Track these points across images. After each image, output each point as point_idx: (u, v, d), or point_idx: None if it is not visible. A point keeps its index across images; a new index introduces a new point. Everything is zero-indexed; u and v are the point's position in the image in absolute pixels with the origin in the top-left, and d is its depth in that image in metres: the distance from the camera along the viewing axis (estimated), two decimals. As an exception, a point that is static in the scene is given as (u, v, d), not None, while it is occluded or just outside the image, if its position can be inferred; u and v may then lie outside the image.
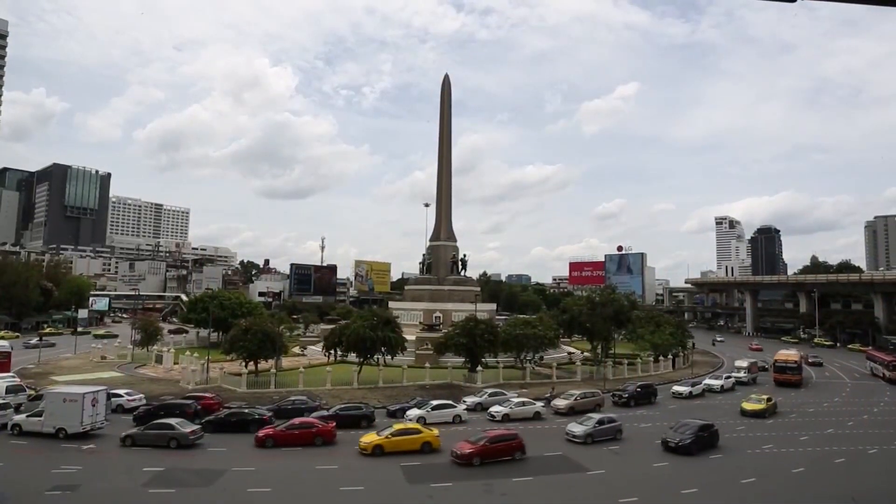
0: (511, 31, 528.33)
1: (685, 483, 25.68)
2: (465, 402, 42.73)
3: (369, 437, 30.44)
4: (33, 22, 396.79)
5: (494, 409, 39.99)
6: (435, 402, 39.67)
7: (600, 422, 34.14)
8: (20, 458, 28.72)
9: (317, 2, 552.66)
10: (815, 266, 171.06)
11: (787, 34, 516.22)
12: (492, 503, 23.69)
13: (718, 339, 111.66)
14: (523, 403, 40.74)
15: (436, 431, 31.46)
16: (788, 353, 61.21)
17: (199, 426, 32.49)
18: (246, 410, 36.72)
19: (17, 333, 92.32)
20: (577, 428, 33.41)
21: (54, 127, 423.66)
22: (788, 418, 40.99)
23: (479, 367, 54.59)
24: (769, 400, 42.40)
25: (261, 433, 31.72)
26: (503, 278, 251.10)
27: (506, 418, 38.72)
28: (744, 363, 62.01)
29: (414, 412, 38.43)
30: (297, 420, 33.32)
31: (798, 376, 55.22)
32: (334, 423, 33.93)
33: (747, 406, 41.58)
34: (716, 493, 25.07)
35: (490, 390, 45.61)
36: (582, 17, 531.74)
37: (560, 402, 42.43)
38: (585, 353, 72.86)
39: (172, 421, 31.96)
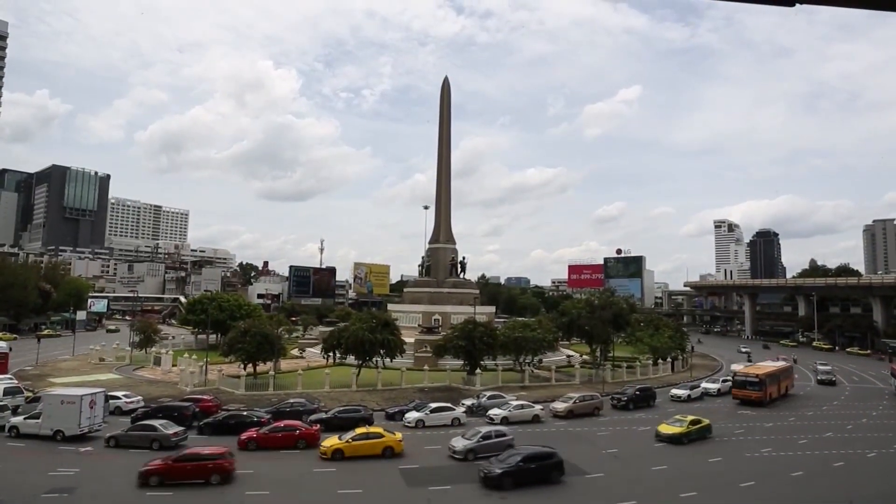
0: (510, 34, 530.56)
1: (684, 486, 25.65)
2: (463, 404, 42.70)
3: (330, 441, 30.21)
4: (33, 23, 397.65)
5: (493, 411, 39.89)
6: (434, 405, 39.62)
7: (486, 436, 30.21)
8: (17, 460, 28.60)
9: (316, 5, 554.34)
10: (814, 270, 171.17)
11: (786, 39, 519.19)
12: (490, 506, 23.62)
13: (743, 349, 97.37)
14: (522, 406, 40.67)
15: (399, 436, 31.01)
16: (763, 365, 55.82)
17: (182, 428, 32.43)
18: (244, 413, 36.73)
19: (14, 335, 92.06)
20: (459, 443, 29.95)
21: (56, 128, 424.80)
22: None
23: (478, 370, 54.58)
24: (695, 423, 35.15)
25: (243, 436, 31.55)
26: (502, 281, 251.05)
27: (504, 421, 38.65)
28: (741, 367, 61.93)
29: (413, 415, 38.38)
30: (280, 423, 33.17)
31: (759, 393, 47.27)
32: (318, 427, 33.90)
33: (663, 429, 34.79)
34: (715, 496, 25.03)
35: (489, 393, 45.50)
36: (581, 21, 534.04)
37: (559, 405, 42.42)
38: (584, 356, 72.82)
39: (156, 423, 32.02)
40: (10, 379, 45.33)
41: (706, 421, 36.06)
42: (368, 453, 29.39)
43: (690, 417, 35.92)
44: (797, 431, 38.41)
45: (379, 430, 31.62)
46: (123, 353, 67.52)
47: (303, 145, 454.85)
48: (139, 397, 42.40)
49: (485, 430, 31.38)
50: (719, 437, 35.77)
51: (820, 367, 67.89)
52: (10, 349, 57.72)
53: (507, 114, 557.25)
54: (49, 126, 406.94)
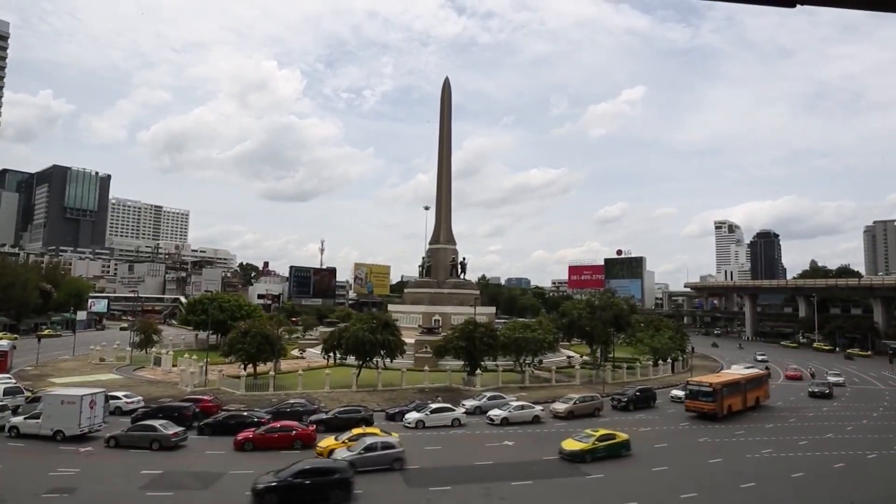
0: (512, 35, 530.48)
1: (685, 487, 25.64)
2: (464, 405, 42.69)
3: (326, 442, 30.19)
4: (35, 24, 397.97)
5: (493, 412, 39.86)
6: (434, 406, 39.62)
7: (370, 447, 27.68)
8: (17, 460, 28.61)
9: (318, 5, 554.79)
10: (815, 271, 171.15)
11: (787, 39, 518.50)
12: (490, 507, 23.59)
13: (760, 355, 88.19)
14: (522, 407, 40.66)
15: (396, 436, 31.03)
16: (729, 372, 50.48)
17: (182, 429, 32.41)
18: (244, 413, 36.76)
19: (15, 335, 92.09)
20: (340, 454, 27.85)
21: (59, 129, 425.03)
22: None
23: (479, 371, 54.58)
24: (605, 438, 30.90)
25: (240, 436, 31.51)
26: (503, 282, 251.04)
27: (504, 422, 38.65)
28: (740, 367, 61.88)
29: (413, 415, 38.38)
30: (276, 423, 33.14)
31: (713, 405, 41.76)
32: (314, 427, 33.91)
33: (566, 445, 30.58)
34: (715, 497, 25.02)
35: (489, 394, 45.49)
36: (583, 22, 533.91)
37: (559, 406, 42.40)
38: (585, 357, 72.81)
39: (155, 423, 32.03)
40: (9, 378, 45.40)
41: (622, 436, 31.61)
42: None
43: (602, 432, 31.65)
44: (796, 433, 38.33)
45: (376, 430, 31.58)
46: (123, 353, 67.53)
47: (305, 145, 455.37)
48: (139, 397, 42.41)
49: (370, 440, 28.33)
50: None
51: (830, 378, 61.32)
52: (15, 347, 57.84)
53: (510, 114, 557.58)
54: (52, 126, 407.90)
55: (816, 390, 54.24)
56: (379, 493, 24.61)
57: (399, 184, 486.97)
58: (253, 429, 32.53)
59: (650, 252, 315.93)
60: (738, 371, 52.42)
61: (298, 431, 32.13)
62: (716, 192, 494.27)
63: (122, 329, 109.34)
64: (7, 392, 39.46)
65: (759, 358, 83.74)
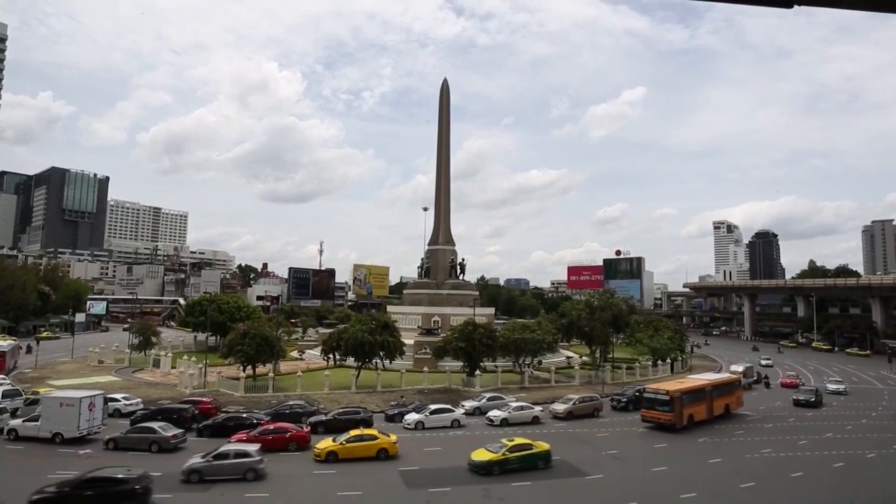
0: (511, 36, 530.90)
1: (684, 487, 25.64)
2: (463, 406, 42.70)
3: (324, 444, 30.10)
4: (34, 25, 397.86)
5: (493, 413, 39.87)
6: (433, 407, 39.63)
7: (222, 455, 25.89)
8: (16, 462, 28.58)
9: (317, 6, 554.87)
10: (813, 270, 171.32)
11: (786, 40, 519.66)
12: (490, 508, 23.56)
13: (764, 359, 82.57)
14: (521, 408, 40.66)
15: (393, 438, 30.90)
16: (685, 380, 44.95)
17: (181, 430, 32.37)
18: (244, 415, 36.72)
19: (14, 337, 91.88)
20: (192, 460, 26.25)
21: (59, 131, 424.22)
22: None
23: (478, 372, 54.58)
24: (519, 448, 28.13)
25: (233, 438, 31.29)
26: (502, 282, 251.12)
27: (504, 423, 38.66)
28: (739, 367, 62.01)
29: (412, 416, 38.38)
30: (270, 425, 33.04)
31: (670, 415, 37.36)
32: (310, 429, 33.85)
33: (475, 455, 28.01)
34: (715, 497, 25.02)
35: (488, 394, 45.53)
36: (582, 23, 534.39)
37: (558, 407, 42.40)
38: (584, 358, 72.84)
39: (155, 425, 31.99)
40: (4, 379, 45.41)
41: (541, 446, 28.80)
42: (362, 455, 29.32)
43: (517, 441, 28.90)
44: (796, 432, 38.27)
45: (373, 432, 31.54)
46: (122, 355, 67.42)
47: (305, 147, 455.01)
48: (138, 399, 42.33)
49: (224, 448, 26.74)
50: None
51: (830, 386, 57.36)
52: (20, 348, 57.77)
53: (510, 115, 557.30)
54: (52, 128, 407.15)
55: (802, 398, 49.38)
56: (380, 494, 24.60)
57: (399, 185, 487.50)
58: (247, 431, 32.37)
59: (649, 253, 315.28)
60: (699, 377, 47.08)
61: (293, 433, 32.02)
62: (715, 193, 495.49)
63: (125, 330, 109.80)
64: (5, 395, 39.39)
65: (764, 363, 78.50)
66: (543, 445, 29.13)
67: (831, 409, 47.92)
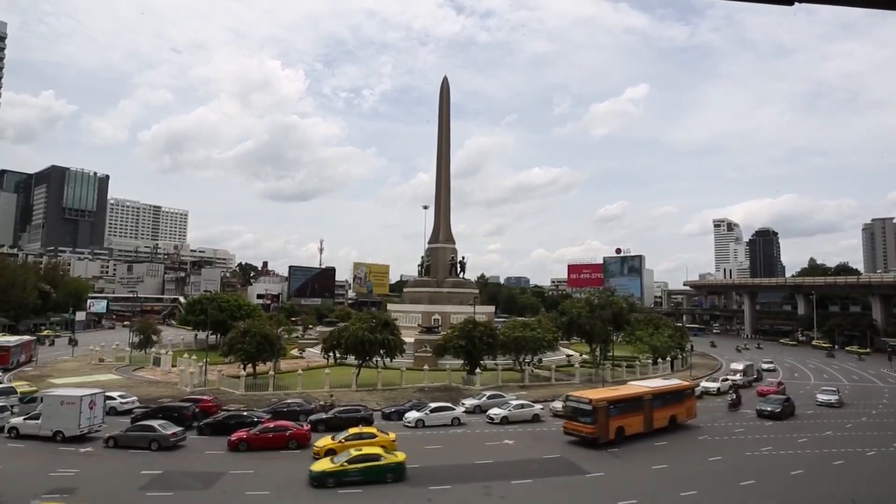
0: (511, 34, 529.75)
1: (684, 485, 25.65)
2: (463, 404, 42.73)
3: (323, 442, 30.08)
4: (34, 24, 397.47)
5: (493, 411, 39.91)
6: (433, 405, 39.65)
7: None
8: (17, 460, 28.60)
9: (316, 5, 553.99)
10: (813, 269, 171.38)
11: (786, 38, 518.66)
12: (490, 506, 23.57)
13: (766, 362, 77.75)
14: (522, 406, 40.70)
15: (392, 436, 30.86)
16: (618, 387, 41.26)
17: (181, 429, 32.37)
18: (244, 413, 36.77)
19: (15, 336, 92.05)
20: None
21: (61, 130, 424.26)
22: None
23: (478, 370, 54.59)
24: (363, 459, 25.54)
25: (233, 437, 31.32)
26: (502, 281, 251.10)
27: (504, 421, 38.69)
28: (739, 366, 62.02)
29: (412, 415, 38.41)
30: (270, 423, 33.04)
31: (592, 427, 32.37)
32: (309, 427, 33.86)
33: (315, 466, 25.91)
34: (715, 495, 25.03)
35: (489, 393, 45.55)
36: (581, 21, 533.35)
37: (559, 405, 42.35)
38: (584, 356, 72.85)
39: (155, 423, 32.02)
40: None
41: (394, 458, 26.27)
42: None
43: (364, 451, 26.27)
44: (796, 431, 38.23)
45: (372, 430, 31.53)
46: (123, 353, 67.50)
47: (306, 145, 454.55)
48: (134, 398, 42.43)
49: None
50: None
51: (821, 397, 48.81)
52: (31, 346, 58.22)
53: (511, 113, 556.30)
54: (54, 127, 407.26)
55: (767, 409, 42.92)
56: (380, 492, 24.62)
57: (399, 183, 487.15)
58: (247, 429, 32.37)
59: (650, 251, 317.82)
60: (649, 382, 42.30)
61: (293, 431, 32.04)
62: (715, 191, 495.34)
63: (124, 326, 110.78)
64: (0, 392, 39.49)
65: (766, 366, 73.87)
66: (396, 457, 26.49)
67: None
